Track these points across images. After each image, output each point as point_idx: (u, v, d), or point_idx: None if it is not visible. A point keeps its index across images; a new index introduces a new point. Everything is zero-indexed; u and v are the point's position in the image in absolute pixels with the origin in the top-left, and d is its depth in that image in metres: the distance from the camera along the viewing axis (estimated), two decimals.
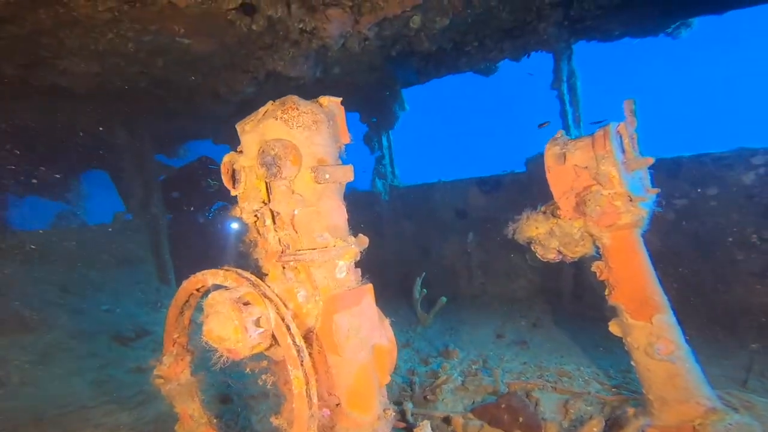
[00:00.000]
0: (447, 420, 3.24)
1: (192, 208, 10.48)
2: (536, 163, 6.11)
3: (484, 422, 3.08)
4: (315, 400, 1.85)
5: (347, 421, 2.10)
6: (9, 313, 5.66)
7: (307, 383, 1.85)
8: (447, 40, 6.48)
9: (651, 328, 2.50)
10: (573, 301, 6.10)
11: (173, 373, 2.52)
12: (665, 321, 2.49)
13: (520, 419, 2.95)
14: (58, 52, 5.27)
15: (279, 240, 2.12)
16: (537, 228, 2.96)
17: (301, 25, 4.71)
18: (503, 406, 3.05)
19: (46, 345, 5.19)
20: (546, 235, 2.92)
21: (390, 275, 8.36)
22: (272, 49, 5.74)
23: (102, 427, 3.45)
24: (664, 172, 5.45)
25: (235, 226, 10.35)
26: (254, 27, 4.53)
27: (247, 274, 2.04)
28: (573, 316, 5.71)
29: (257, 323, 1.82)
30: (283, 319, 1.86)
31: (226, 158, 2.19)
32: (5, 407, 3.82)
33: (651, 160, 2.47)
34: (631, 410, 2.86)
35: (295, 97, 2.20)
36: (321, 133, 2.15)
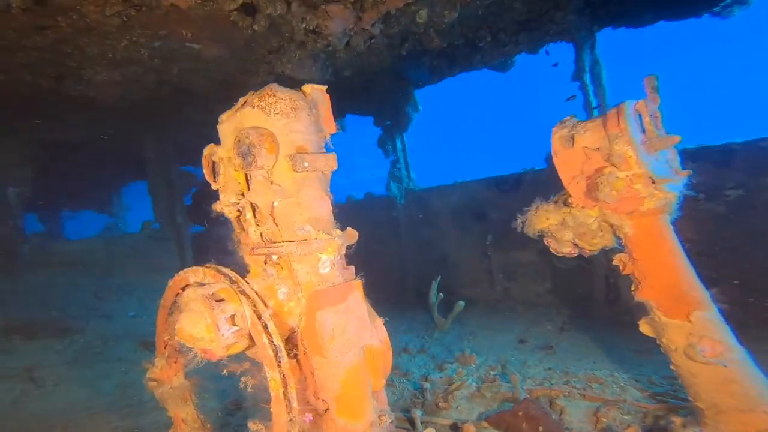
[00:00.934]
0: (457, 428, 3.01)
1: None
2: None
3: (500, 431, 2.85)
4: (294, 404, 1.69)
5: (336, 428, 1.92)
6: (48, 318, 5.98)
7: (286, 386, 1.71)
8: (458, 36, 6.29)
9: (690, 327, 2.21)
10: (607, 304, 5.71)
11: (166, 375, 2.41)
12: (707, 318, 2.19)
13: (540, 428, 2.69)
14: (81, 61, 5.46)
15: (261, 235, 2.00)
16: (548, 219, 2.73)
17: (303, 24, 4.64)
18: (521, 413, 2.80)
19: (78, 348, 5.44)
20: (558, 227, 2.69)
21: (409, 280, 8.16)
22: (280, 53, 5.72)
23: (119, 430, 3.48)
24: (712, 162, 5.06)
25: None
26: (256, 27, 4.49)
27: (227, 270, 1.91)
28: (607, 320, 5.34)
29: (231, 321, 1.69)
30: (259, 317, 1.72)
31: (206, 151, 2.08)
32: (39, 407, 4.00)
33: (678, 138, 2.21)
34: (678, 420, 2.55)
35: (275, 84, 2.09)
36: (300, 121, 2.02)
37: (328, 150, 2.32)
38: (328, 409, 1.94)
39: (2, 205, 8.68)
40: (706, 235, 5.09)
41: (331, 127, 2.33)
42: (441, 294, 6.03)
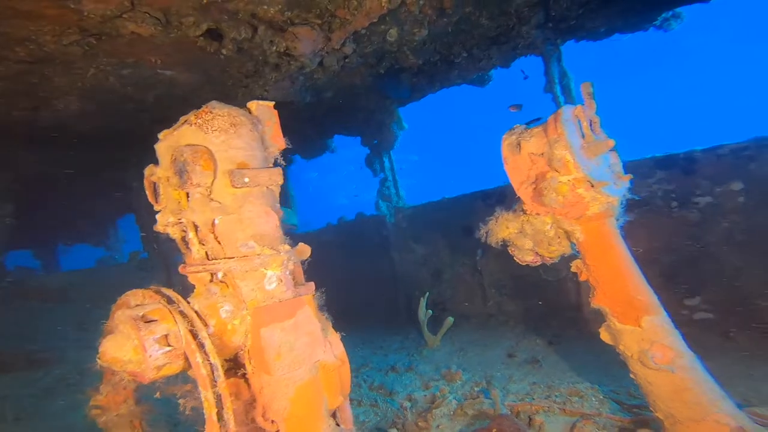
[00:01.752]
0: None
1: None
2: None
3: None
4: (231, 425, 1.63)
5: None
6: (23, 351, 5.87)
7: (223, 406, 1.65)
8: (433, 53, 6.39)
9: (642, 333, 2.16)
10: (596, 315, 5.61)
11: (112, 402, 2.35)
12: (657, 323, 2.14)
13: None
14: (52, 92, 5.51)
15: (207, 254, 1.97)
16: (508, 228, 2.70)
17: (274, 47, 4.71)
18: (494, 430, 2.71)
19: (52, 380, 5.31)
20: (518, 235, 2.66)
21: (401, 298, 8.08)
22: (256, 76, 5.80)
23: None
24: (679, 169, 5.06)
25: None
26: (224, 52, 4.56)
27: (168, 291, 1.87)
28: (595, 332, 5.23)
29: (163, 341, 1.64)
30: (194, 337, 1.68)
31: (146, 172, 2.07)
32: None
33: (612, 143, 2.20)
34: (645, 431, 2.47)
35: (214, 101, 2.09)
36: (241, 137, 2.01)
37: (281, 167, 2.34)
38: (278, 430, 1.87)
39: None
40: (685, 242, 5.06)
41: (279, 142, 2.33)
42: (430, 311, 5.94)
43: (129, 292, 1.95)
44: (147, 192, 2.08)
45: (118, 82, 5.54)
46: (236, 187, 1.90)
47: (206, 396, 1.60)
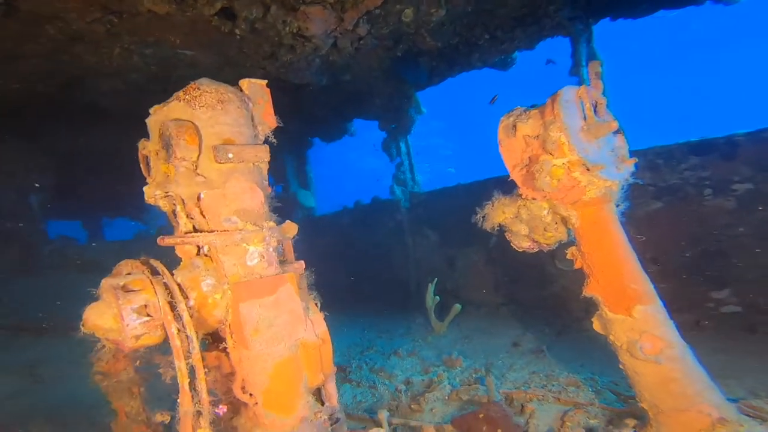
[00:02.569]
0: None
1: None
2: None
3: None
4: (204, 395, 1.68)
5: (264, 422, 1.90)
6: (58, 317, 6.21)
7: (196, 377, 1.70)
8: (452, 35, 6.24)
9: (632, 322, 2.10)
10: None
11: (113, 369, 2.46)
12: (649, 313, 2.07)
13: (499, 431, 2.58)
14: (82, 69, 5.70)
15: (194, 227, 2.01)
16: (504, 212, 2.65)
17: (287, 28, 4.70)
18: (482, 416, 2.70)
19: (86, 347, 5.61)
20: (513, 220, 2.60)
21: (412, 284, 8.08)
22: (273, 58, 5.82)
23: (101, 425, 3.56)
24: (717, 154, 4.80)
25: None
26: (238, 32, 4.58)
27: (155, 262, 1.93)
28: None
29: (142, 311, 1.69)
30: (173, 308, 1.72)
31: (139, 145, 2.12)
32: (34, 401, 4.15)
33: (614, 125, 2.10)
34: (631, 421, 2.42)
35: (205, 78, 2.11)
36: (228, 113, 2.03)
37: (269, 144, 2.36)
38: (256, 403, 1.92)
39: (25, 210, 9.18)
40: (716, 232, 4.83)
41: (270, 121, 2.35)
42: (437, 297, 5.92)
43: (122, 262, 2.01)
44: (141, 165, 2.13)
45: (142, 61, 5.67)
46: (220, 162, 1.92)
47: (179, 366, 1.65)
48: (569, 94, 2.24)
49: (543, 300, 6.45)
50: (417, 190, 8.39)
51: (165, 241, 1.79)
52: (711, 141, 4.86)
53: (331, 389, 2.37)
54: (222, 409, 1.79)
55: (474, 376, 3.91)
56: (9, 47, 4.96)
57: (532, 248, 2.74)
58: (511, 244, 2.77)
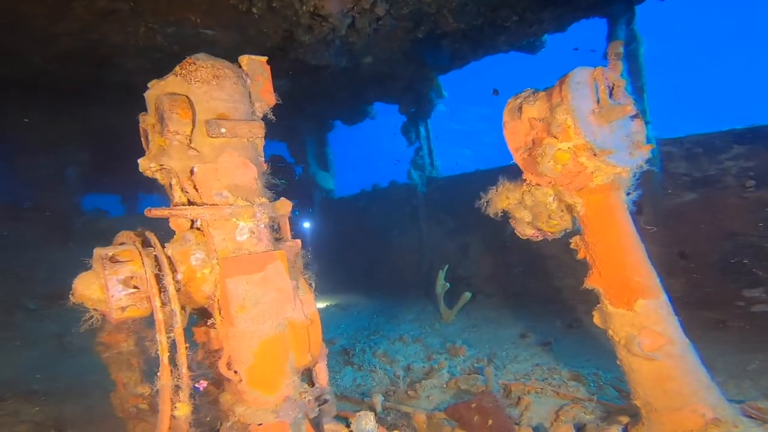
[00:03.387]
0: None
1: None
2: None
3: (454, 422, 2.72)
4: (184, 369, 1.70)
5: (247, 399, 1.91)
6: None
7: (177, 351, 1.71)
8: (475, 16, 6.02)
9: (633, 317, 2.00)
10: None
11: (114, 341, 2.53)
12: (652, 308, 1.97)
13: (490, 422, 2.54)
14: (113, 49, 5.82)
15: (189, 201, 2.02)
16: (508, 198, 2.56)
17: (304, 7, 4.64)
18: (474, 405, 2.66)
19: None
20: (517, 206, 2.52)
21: (425, 270, 8.04)
22: (292, 38, 5.77)
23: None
24: (764, 145, 4.50)
25: (306, 225, 10.72)
26: (254, 10, 4.55)
27: (150, 234, 1.95)
28: None
29: (128, 282, 1.71)
30: (158, 281, 1.74)
31: (140, 118, 2.13)
32: (62, 370, 4.35)
33: (628, 109, 1.98)
34: (624, 418, 2.34)
35: (203, 54, 2.11)
36: (224, 89, 2.01)
37: (267, 120, 2.34)
38: (241, 380, 1.93)
39: (62, 184, 9.55)
40: (755, 227, 4.57)
41: (269, 98, 2.33)
42: (447, 284, 5.87)
43: (120, 233, 2.04)
44: (141, 138, 2.14)
45: (165, 40, 5.73)
46: (212, 137, 1.91)
47: (160, 340, 1.66)
48: (581, 75, 2.12)
49: (557, 291, 6.31)
50: (435, 175, 8.28)
51: (152, 212, 1.80)
52: (758, 129, 4.56)
53: (322, 370, 2.37)
54: (202, 384, 1.81)
55: (476, 365, 3.87)
56: (44, 25, 5.09)
57: (537, 236, 2.66)
58: (515, 232, 2.69)
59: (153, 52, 6.05)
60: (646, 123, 4.83)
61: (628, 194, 2.18)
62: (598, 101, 2.08)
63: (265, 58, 2.34)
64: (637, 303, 1.97)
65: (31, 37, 5.41)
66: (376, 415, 3.06)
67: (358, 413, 2.45)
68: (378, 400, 3.11)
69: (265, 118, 2.35)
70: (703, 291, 4.70)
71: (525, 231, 2.61)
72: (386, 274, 8.81)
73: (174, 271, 1.83)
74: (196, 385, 1.74)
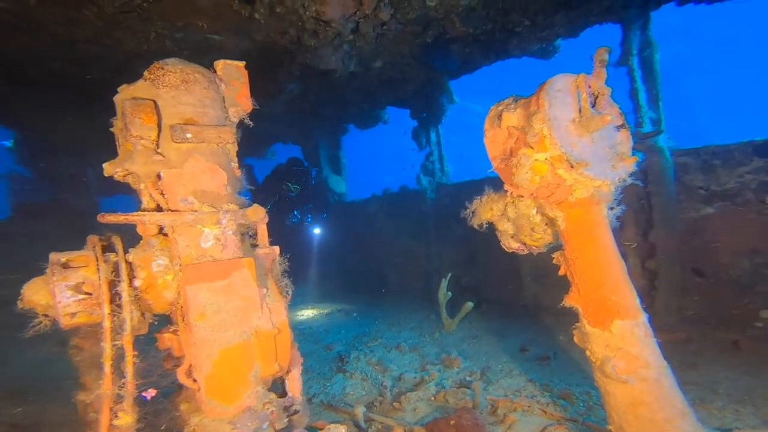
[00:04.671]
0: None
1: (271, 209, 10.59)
2: None
3: None
4: (129, 377, 1.68)
5: (204, 409, 1.88)
6: None
7: (125, 358, 1.69)
8: (485, 20, 5.92)
9: (609, 338, 1.89)
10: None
11: (88, 344, 2.54)
12: (628, 329, 1.86)
13: None
14: (127, 55, 5.95)
15: (158, 206, 2.01)
16: (492, 209, 2.48)
17: (308, 12, 4.64)
18: (453, 422, 2.57)
19: None
20: (500, 218, 2.43)
21: (433, 276, 7.92)
22: (298, 43, 5.79)
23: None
24: None
25: (317, 231, 10.74)
26: (257, 15, 4.58)
27: (116, 239, 1.95)
28: None
29: (79, 288, 1.70)
30: (111, 287, 1.72)
31: (113, 122, 2.14)
32: (63, 369, 4.37)
33: (608, 119, 1.87)
34: None
35: (174, 59, 2.11)
36: (192, 93, 2.01)
37: (242, 125, 2.32)
38: (199, 388, 1.90)
39: (81, 184, 9.85)
40: None
41: (245, 103, 2.31)
42: (450, 293, 5.75)
43: (90, 236, 2.05)
44: (116, 143, 2.15)
45: (175, 45, 5.83)
46: (177, 142, 1.90)
47: (105, 347, 1.65)
48: (562, 82, 2.02)
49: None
50: (445, 181, 8.17)
51: (106, 218, 1.79)
52: None
53: (294, 379, 2.33)
54: (150, 393, 1.78)
55: (468, 378, 3.76)
56: (60, 31, 5.25)
57: (522, 250, 2.56)
58: (501, 244, 2.59)
59: (164, 57, 6.16)
60: (660, 132, 4.65)
61: (611, 209, 2.07)
62: (580, 110, 1.99)
63: (242, 63, 2.33)
64: (613, 323, 1.86)
65: (50, 42, 5.58)
66: (358, 426, 3.00)
67: (328, 425, 2.40)
68: (360, 411, 3.05)
69: (242, 123, 2.34)
70: (720, 310, 4.46)
71: (509, 244, 2.52)
72: (394, 279, 8.74)
73: (133, 277, 1.81)
74: (144, 394, 1.72)
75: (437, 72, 7.50)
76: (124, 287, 1.72)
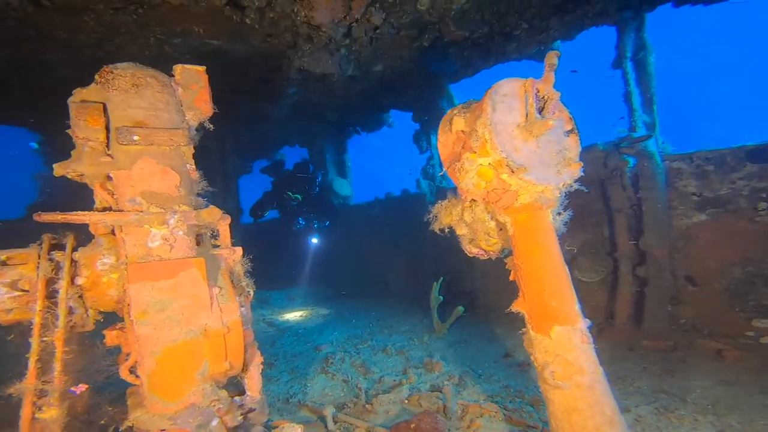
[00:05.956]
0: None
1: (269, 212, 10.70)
2: (584, 157, 5.09)
3: None
4: (57, 373, 1.72)
5: (145, 404, 1.92)
6: None
7: (56, 354, 1.73)
8: (480, 24, 5.90)
9: (548, 344, 1.86)
10: (628, 325, 4.95)
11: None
12: (565, 335, 1.82)
13: None
14: (131, 59, 6.08)
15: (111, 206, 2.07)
16: (451, 214, 2.47)
17: (298, 18, 4.70)
18: (413, 426, 2.56)
19: None
20: (458, 222, 2.42)
21: (430, 280, 7.87)
22: (296, 48, 5.87)
23: None
24: None
25: (314, 241, 10.86)
26: (248, 21, 4.65)
27: (68, 237, 2.02)
28: (622, 343, 4.64)
29: (14, 285, 1.75)
30: (47, 285, 1.78)
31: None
32: None
33: (549, 123, 1.85)
34: None
35: (127, 63, 2.16)
36: (143, 97, 2.06)
37: (202, 129, 2.37)
38: (141, 384, 1.94)
39: None
40: (763, 253, 4.18)
41: (204, 107, 2.35)
42: (441, 297, 5.72)
43: (44, 235, 2.12)
44: None
45: (174, 50, 5.97)
46: (122, 144, 1.95)
47: (33, 343, 1.70)
48: (509, 86, 2.01)
49: None
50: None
51: (42, 217, 1.85)
52: None
53: (253, 378, 2.36)
54: (80, 388, 1.83)
55: (446, 382, 3.72)
56: (65, 37, 5.44)
57: (482, 255, 2.55)
58: (463, 249, 2.58)
59: (165, 62, 6.31)
60: (650, 136, 4.54)
61: (559, 214, 2.04)
62: (527, 115, 1.97)
63: (202, 68, 2.38)
64: (553, 329, 1.83)
65: (57, 49, 5.78)
66: (326, 426, 3.01)
67: (283, 425, 2.42)
68: (329, 411, 3.06)
69: (201, 127, 2.39)
70: (711, 319, 4.32)
71: (470, 249, 2.51)
72: (394, 282, 8.74)
73: (76, 275, 1.87)
74: (73, 389, 1.76)
75: (437, 75, 7.49)
76: (62, 284, 1.77)
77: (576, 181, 1.97)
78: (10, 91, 6.53)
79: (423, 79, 7.71)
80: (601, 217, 5.03)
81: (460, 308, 5.40)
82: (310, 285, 10.71)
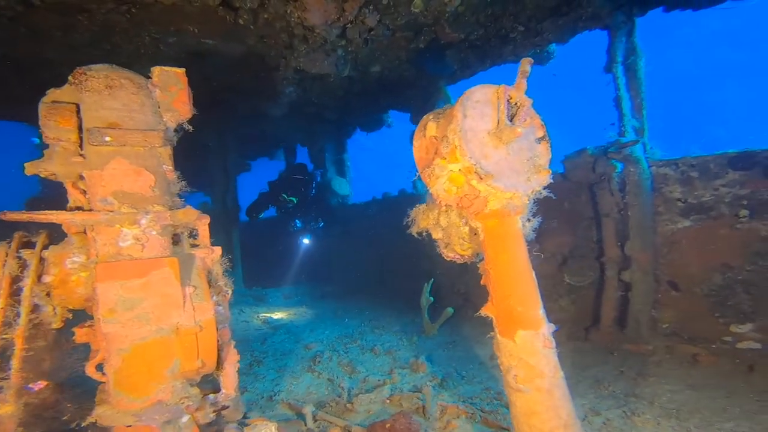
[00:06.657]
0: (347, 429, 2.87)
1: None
2: (575, 162, 5.10)
3: None
4: (14, 370, 1.74)
5: (111, 401, 1.94)
6: None
7: (15, 351, 1.76)
8: (475, 26, 5.90)
9: (513, 348, 1.88)
10: (612, 328, 4.93)
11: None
12: (528, 339, 1.84)
13: None
14: (127, 58, 6.16)
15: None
16: (428, 217, 2.49)
17: (293, 18, 4.72)
18: (388, 426, 2.58)
19: None
20: (434, 226, 2.43)
21: (424, 281, 7.87)
22: (292, 48, 5.89)
23: None
24: (761, 169, 4.10)
25: (306, 241, 10.92)
26: (241, 21, 4.67)
27: (40, 236, 2.05)
28: (605, 346, 4.64)
29: None
30: (12, 282, 1.80)
31: None
32: None
33: (518, 131, 1.86)
34: None
35: (101, 64, 2.17)
36: (117, 99, 2.08)
37: (180, 131, 2.39)
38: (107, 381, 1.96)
39: None
40: (747, 260, 4.16)
41: (183, 109, 2.37)
42: (431, 297, 5.73)
43: (16, 233, 2.15)
44: None
45: (170, 50, 6.00)
46: (93, 145, 1.97)
47: None
48: (481, 93, 2.03)
49: (550, 314, 5.97)
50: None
51: (8, 216, 1.87)
52: (753, 153, 4.15)
53: (228, 376, 2.38)
54: (38, 385, 1.85)
55: (427, 383, 3.73)
56: (61, 37, 5.48)
57: (458, 259, 2.55)
58: (441, 253, 2.59)
59: (163, 61, 6.33)
60: (637, 142, 4.52)
61: (528, 221, 2.05)
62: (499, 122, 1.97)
63: (182, 70, 2.40)
64: (517, 333, 1.85)
65: (55, 48, 5.82)
66: (305, 424, 3.04)
67: (257, 422, 2.44)
68: (309, 409, 3.08)
69: (180, 128, 2.40)
70: (691, 324, 4.32)
71: (446, 253, 2.52)
72: (391, 282, 8.76)
73: (43, 273, 1.89)
74: (30, 386, 1.79)
75: (434, 77, 7.49)
76: (27, 282, 1.80)
77: (545, 188, 1.98)
78: (9, 87, 6.59)
79: (421, 80, 7.72)
80: (591, 222, 5.03)
81: (450, 309, 5.41)
82: (306, 283, 10.74)
